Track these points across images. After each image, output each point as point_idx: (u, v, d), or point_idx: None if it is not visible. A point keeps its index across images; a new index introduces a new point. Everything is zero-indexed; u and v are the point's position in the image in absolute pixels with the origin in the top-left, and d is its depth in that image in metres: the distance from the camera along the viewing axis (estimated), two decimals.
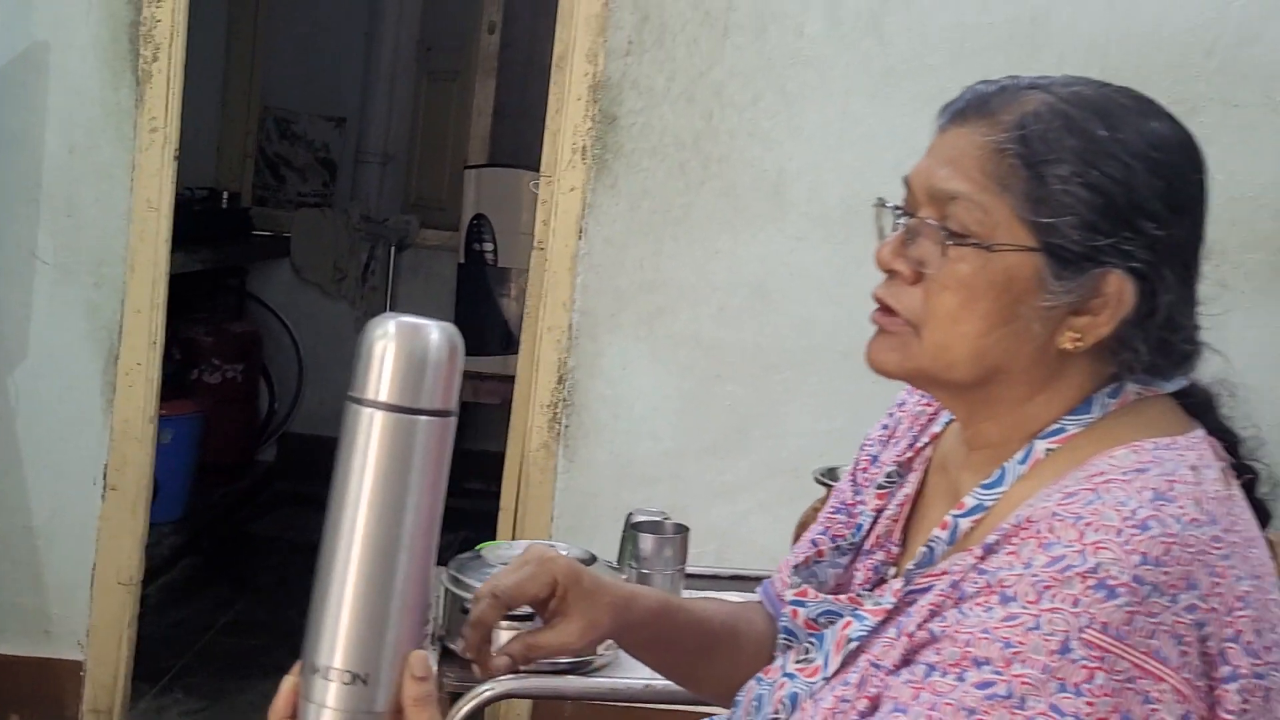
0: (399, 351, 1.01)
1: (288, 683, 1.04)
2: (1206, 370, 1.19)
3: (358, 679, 1.01)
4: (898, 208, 1.17)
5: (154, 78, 2.94)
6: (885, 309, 1.15)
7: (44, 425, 3.04)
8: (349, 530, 1.01)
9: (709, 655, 1.35)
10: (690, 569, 2.23)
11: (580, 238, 2.96)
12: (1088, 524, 1.00)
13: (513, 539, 2.83)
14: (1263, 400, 3.16)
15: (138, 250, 2.98)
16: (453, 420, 1.03)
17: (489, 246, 4.92)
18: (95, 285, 3.01)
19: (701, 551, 2.83)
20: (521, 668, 1.72)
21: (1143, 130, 1.10)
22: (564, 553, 1.87)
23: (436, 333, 1.02)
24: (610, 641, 1.85)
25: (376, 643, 1.01)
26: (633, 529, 1.99)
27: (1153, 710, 0.97)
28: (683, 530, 2.00)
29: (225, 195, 5.09)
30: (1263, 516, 1.17)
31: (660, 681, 1.72)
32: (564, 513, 3.00)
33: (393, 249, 5.36)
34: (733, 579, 2.23)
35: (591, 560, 1.91)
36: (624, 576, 1.93)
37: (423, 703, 1.02)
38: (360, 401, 1.01)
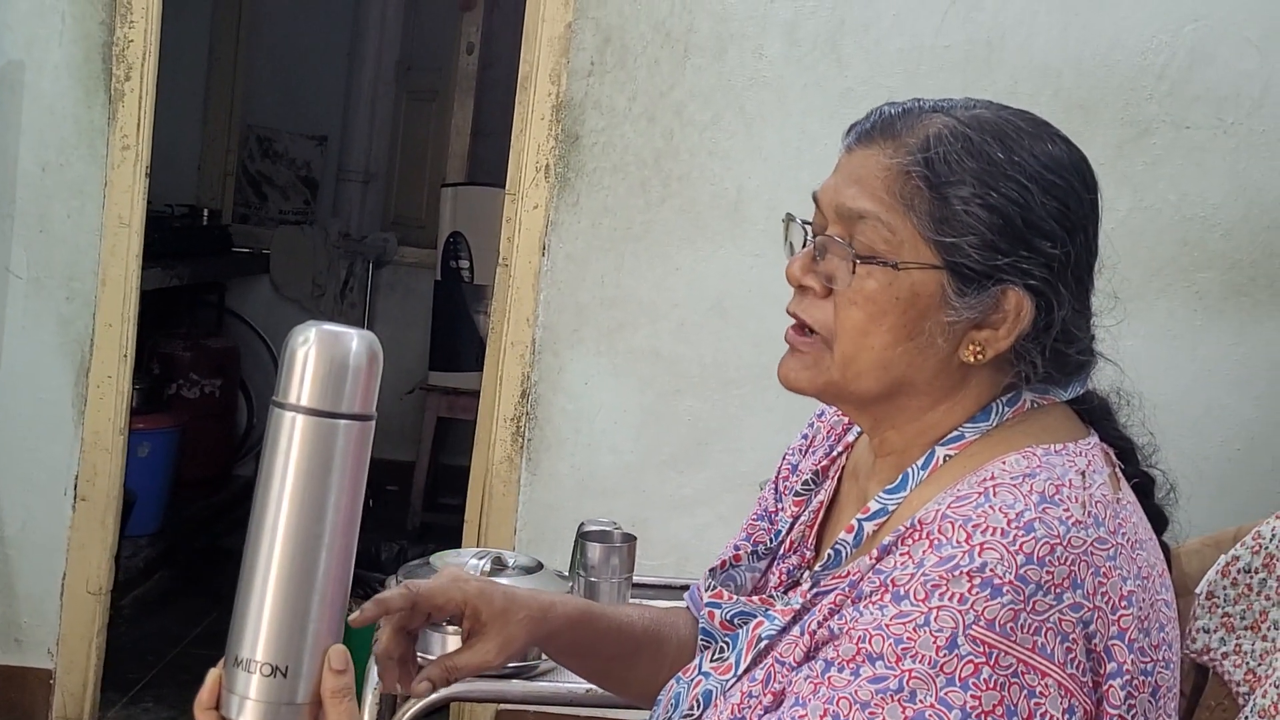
0: (320, 358, 1.04)
1: (212, 675, 1.08)
2: (1104, 379, 1.23)
3: (278, 671, 1.04)
4: (807, 223, 1.21)
5: (126, 96, 2.99)
6: (799, 325, 1.19)
7: (15, 436, 3.08)
8: (272, 528, 1.05)
9: (632, 660, 1.39)
10: (648, 579, 2.27)
11: (543, 254, 3.00)
12: (976, 525, 1.04)
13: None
14: (1218, 416, 3.22)
15: (109, 265, 3.03)
16: (371, 424, 1.07)
17: (465, 264, 4.96)
18: (67, 299, 3.05)
19: (662, 563, 2.88)
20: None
21: (1037, 153, 1.14)
22: (510, 561, 1.92)
23: (356, 340, 1.05)
24: None
25: (297, 637, 1.04)
26: (582, 538, 2.03)
27: (1037, 704, 1.01)
28: (630, 539, 2.04)
29: (205, 212, 5.13)
30: (1159, 521, 1.21)
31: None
32: (526, 525, 3.05)
33: (371, 266, 5.41)
34: (684, 589, 2.26)
35: (538, 568, 1.96)
36: (570, 585, 1.98)
37: (340, 695, 1.05)
38: (283, 406, 1.05)
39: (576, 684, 1.81)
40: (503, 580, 1.85)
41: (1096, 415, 1.22)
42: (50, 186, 3.03)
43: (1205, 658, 1.45)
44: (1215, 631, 1.45)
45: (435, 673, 1.24)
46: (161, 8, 3.01)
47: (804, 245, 1.20)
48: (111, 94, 3.00)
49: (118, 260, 3.03)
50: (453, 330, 5.00)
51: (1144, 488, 1.21)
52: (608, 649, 1.37)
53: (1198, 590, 1.45)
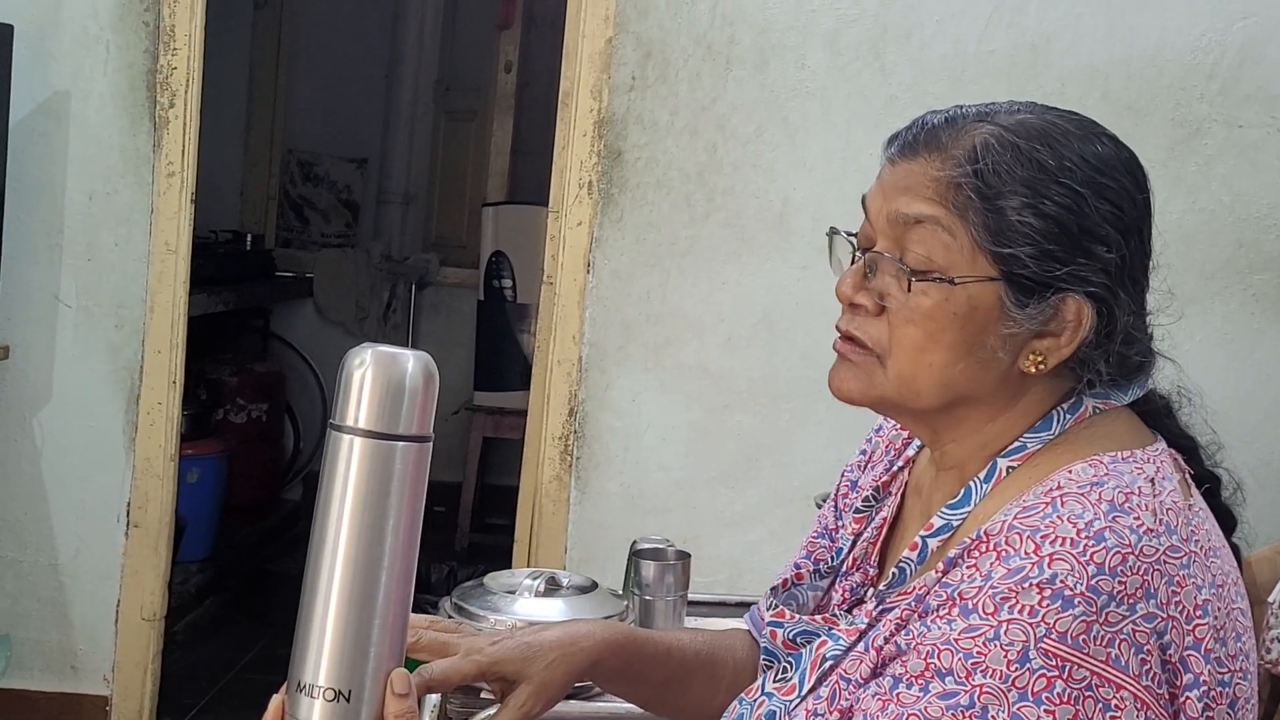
0: (377, 379, 1.04)
1: (275, 700, 1.07)
2: (1163, 378, 1.20)
3: (341, 696, 1.03)
4: (852, 236, 1.18)
5: (171, 124, 3.01)
6: (848, 336, 1.17)
7: (68, 464, 3.10)
8: (332, 552, 1.04)
9: (683, 685, 1.35)
10: (701, 597, 2.24)
11: (588, 271, 3.00)
12: (1044, 536, 1.02)
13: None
14: (1274, 419, 3.16)
15: (157, 292, 3.05)
16: (429, 445, 1.06)
17: (508, 283, 4.97)
18: (116, 327, 3.07)
19: (714, 580, 2.86)
20: None
21: (1087, 155, 1.12)
22: (564, 581, 1.90)
23: (413, 361, 1.05)
24: None
25: (359, 660, 1.04)
26: (635, 556, 2.01)
27: (1113, 717, 0.98)
28: (684, 557, 2.02)
29: (249, 237, 5.16)
30: (1228, 522, 1.19)
31: None
32: (577, 544, 3.03)
33: (414, 287, 5.42)
34: (739, 605, 2.24)
35: (593, 587, 1.94)
36: (625, 603, 1.96)
37: (404, 718, 1.05)
38: (341, 428, 1.04)
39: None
40: (558, 600, 1.84)
41: (1159, 415, 1.19)
42: (97, 215, 3.05)
43: None
44: None
45: None
46: (204, 36, 3.03)
47: (852, 261, 1.18)
48: (156, 121, 3.02)
49: (165, 287, 3.05)
50: (497, 350, 5.00)
51: (1210, 487, 1.18)
52: (657, 674, 1.34)
53: (1270, 599, 1.42)
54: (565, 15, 3.02)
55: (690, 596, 2.06)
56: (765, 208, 2.99)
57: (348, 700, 1.03)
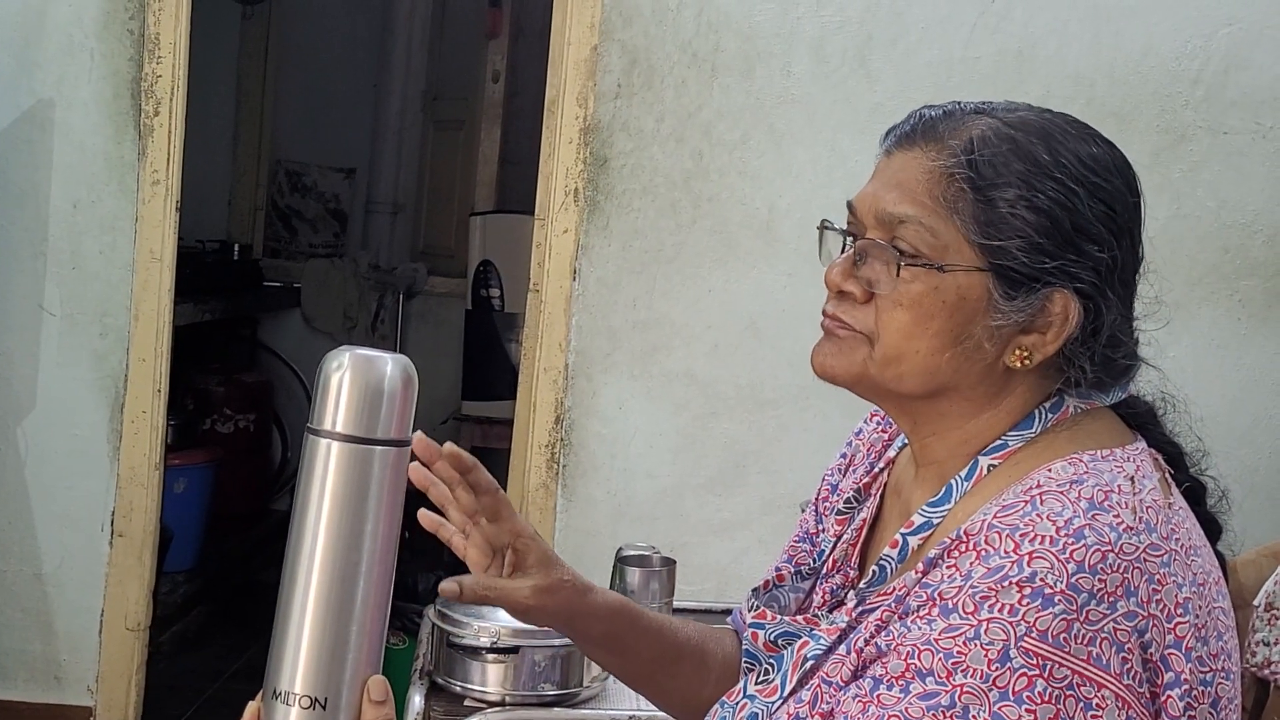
0: (354, 383, 1.02)
1: (251, 708, 1.06)
2: (1149, 383, 1.20)
3: (317, 703, 1.02)
4: (844, 231, 1.19)
5: (155, 131, 3.00)
6: (836, 319, 1.17)
7: (52, 473, 3.09)
8: (309, 558, 1.03)
9: (673, 667, 1.36)
10: (687, 604, 2.25)
11: (574, 279, 2.99)
12: (1024, 534, 1.02)
13: None
14: (1267, 426, 3.17)
15: (142, 300, 3.04)
16: (408, 450, 1.05)
17: (496, 292, 4.96)
18: (101, 335, 3.06)
19: (701, 588, 2.85)
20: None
21: (1082, 155, 1.12)
22: None
23: (391, 365, 1.03)
24: (597, 672, 1.88)
25: (335, 668, 1.03)
26: (620, 563, 2.01)
27: (1094, 716, 0.98)
28: (669, 563, 2.02)
29: (236, 247, 5.15)
30: (1213, 529, 1.18)
31: (645, 712, 1.74)
32: (564, 551, 3.00)
33: (401, 297, 5.41)
34: (725, 613, 2.23)
35: None
36: None
37: None
38: (318, 433, 1.03)
39: (620, 710, 1.79)
40: None
41: (1143, 420, 1.19)
42: (82, 223, 3.04)
43: (1266, 671, 1.41)
44: (1276, 645, 1.41)
45: (469, 582, 1.24)
46: (189, 44, 3.02)
47: (842, 251, 1.18)
48: (141, 129, 3.01)
49: (150, 295, 3.04)
50: (485, 359, 4.99)
51: (1195, 494, 1.18)
52: (648, 650, 1.35)
53: (1256, 602, 1.41)
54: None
55: (676, 603, 2.06)
56: (751, 214, 2.99)
57: (324, 708, 1.02)
